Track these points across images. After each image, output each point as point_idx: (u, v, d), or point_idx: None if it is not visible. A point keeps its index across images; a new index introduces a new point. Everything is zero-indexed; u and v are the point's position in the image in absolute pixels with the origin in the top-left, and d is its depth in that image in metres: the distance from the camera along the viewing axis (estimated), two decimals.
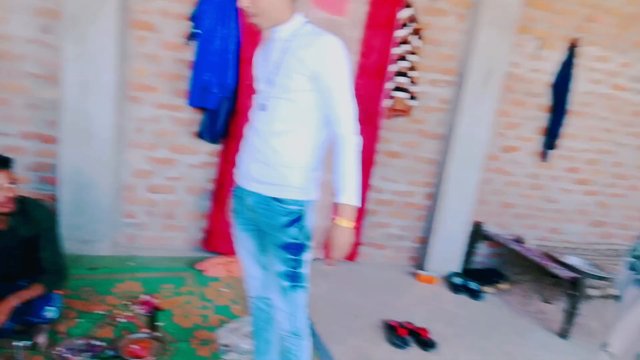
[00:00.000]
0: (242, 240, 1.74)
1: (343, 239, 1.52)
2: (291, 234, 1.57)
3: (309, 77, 1.49)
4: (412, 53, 3.33)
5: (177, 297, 2.70)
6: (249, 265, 1.78)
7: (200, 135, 3.13)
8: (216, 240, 3.28)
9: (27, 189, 2.99)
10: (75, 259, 2.90)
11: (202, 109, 3.09)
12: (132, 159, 3.13)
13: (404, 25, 3.28)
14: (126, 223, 3.24)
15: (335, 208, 1.52)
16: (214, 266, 3.10)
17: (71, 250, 2.95)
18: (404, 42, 3.30)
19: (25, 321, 2.13)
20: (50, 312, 2.15)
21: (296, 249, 1.59)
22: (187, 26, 2.98)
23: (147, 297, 2.58)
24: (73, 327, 2.29)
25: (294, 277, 1.61)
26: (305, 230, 1.59)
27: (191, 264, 3.13)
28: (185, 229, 3.37)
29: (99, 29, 2.72)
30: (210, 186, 3.31)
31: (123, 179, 3.14)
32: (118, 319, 2.39)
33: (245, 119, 2.13)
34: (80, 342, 2.13)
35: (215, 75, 2.99)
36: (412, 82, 3.38)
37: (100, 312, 2.44)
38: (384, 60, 3.29)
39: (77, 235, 2.95)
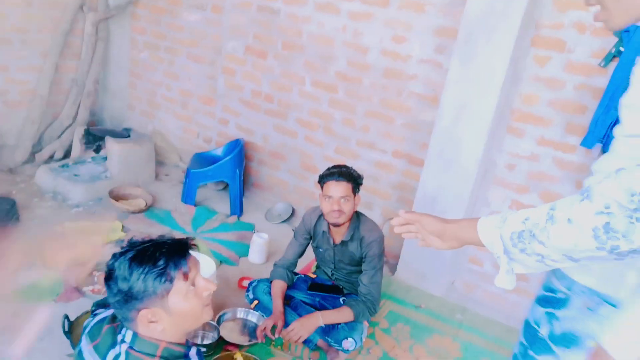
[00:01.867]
0: None
1: None
2: None
3: None
4: None
5: None
6: None
7: None
8: None
9: (386, 206, 3.04)
10: (405, 289, 2.73)
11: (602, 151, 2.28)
12: (493, 198, 2.67)
13: None
14: (469, 269, 2.83)
15: None
16: None
17: (404, 279, 2.81)
18: None
19: (325, 340, 2.08)
20: (349, 343, 2.02)
21: None
22: (608, 44, 2.23)
23: None
24: None
25: None
26: None
27: None
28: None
29: (492, 47, 2.37)
30: None
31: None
32: None
33: None
34: None
35: None
36: None
37: None
38: None
39: (415, 265, 2.76)
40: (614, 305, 1.01)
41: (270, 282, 2.28)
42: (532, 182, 2.55)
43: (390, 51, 2.82)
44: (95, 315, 1.26)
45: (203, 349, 2.00)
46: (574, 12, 2.29)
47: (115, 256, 1.12)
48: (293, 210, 3.38)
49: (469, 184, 2.56)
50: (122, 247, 1.14)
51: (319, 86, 3.13)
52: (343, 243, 2.21)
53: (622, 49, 2.18)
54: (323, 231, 2.24)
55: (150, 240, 1.14)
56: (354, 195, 2.10)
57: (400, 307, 2.58)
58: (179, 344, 1.15)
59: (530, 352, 1.19)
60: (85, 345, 1.17)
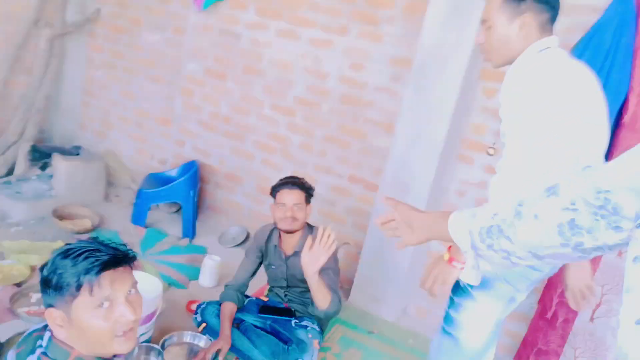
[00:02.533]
0: None
1: None
2: None
3: None
4: None
5: None
6: None
7: None
8: (528, 354, 2.43)
9: (342, 231, 3.05)
10: (359, 314, 2.71)
11: None
12: None
13: None
14: (422, 294, 2.84)
15: None
16: None
17: (358, 304, 2.80)
18: None
19: None
20: None
21: None
22: None
23: None
24: None
25: None
26: None
27: None
28: None
29: (444, 78, 2.48)
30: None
31: (430, 244, 2.78)
32: None
33: None
34: None
35: None
36: None
37: None
38: None
39: (367, 289, 2.76)
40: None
41: (220, 305, 2.21)
42: None
43: (349, 78, 2.90)
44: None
45: None
46: None
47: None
48: (248, 234, 3.32)
49: (420, 208, 2.61)
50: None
51: (277, 110, 3.16)
52: (295, 254, 2.20)
53: None
54: (274, 245, 2.24)
55: (91, 243, 1.09)
56: (306, 205, 2.16)
57: (353, 332, 2.55)
58: (95, 358, 1.08)
59: (456, 300, 1.58)
60: (11, 353, 1.09)
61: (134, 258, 1.12)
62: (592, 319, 2.24)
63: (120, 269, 1.07)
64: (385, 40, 2.76)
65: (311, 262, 1.95)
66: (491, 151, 2.47)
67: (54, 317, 1.04)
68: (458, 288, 1.57)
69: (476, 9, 2.31)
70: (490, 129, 2.56)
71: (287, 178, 2.21)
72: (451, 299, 1.62)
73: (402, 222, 1.13)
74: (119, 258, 1.07)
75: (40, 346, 1.06)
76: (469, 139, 2.62)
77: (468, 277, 1.02)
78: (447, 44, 2.42)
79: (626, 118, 2.16)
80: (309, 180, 2.79)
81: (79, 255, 1.03)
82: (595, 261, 2.24)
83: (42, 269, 1.07)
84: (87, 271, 1.01)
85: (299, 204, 2.13)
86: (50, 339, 1.06)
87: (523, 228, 0.84)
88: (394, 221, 1.16)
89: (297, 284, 2.27)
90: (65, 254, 1.05)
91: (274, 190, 2.19)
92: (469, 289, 1.53)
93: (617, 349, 0.66)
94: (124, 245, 1.14)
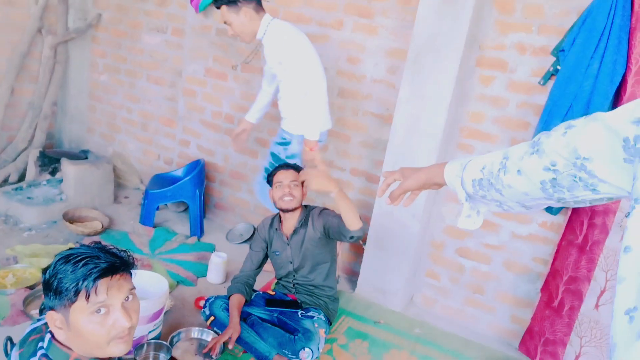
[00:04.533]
0: None
1: None
2: None
3: None
4: None
5: None
6: None
7: None
8: (535, 345, 2.45)
9: None
10: (365, 305, 2.74)
11: None
12: (447, 213, 2.74)
13: None
14: (427, 283, 2.87)
15: None
16: None
17: (364, 295, 2.83)
18: None
19: (281, 354, 2.06)
20: (306, 354, 2.02)
21: None
22: (546, 63, 2.38)
23: None
24: None
25: None
26: None
27: (489, 359, 2.44)
28: (494, 312, 2.70)
29: (439, 67, 2.49)
30: (539, 268, 2.53)
31: (433, 234, 2.79)
32: None
33: None
34: None
35: None
36: None
37: None
38: None
39: (373, 280, 2.79)
40: None
41: (228, 298, 2.26)
42: None
43: (346, 71, 2.91)
44: (37, 321, 1.24)
45: None
46: (514, 34, 2.44)
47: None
48: (254, 230, 3.36)
49: (422, 199, 2.63)
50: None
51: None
52: (295, 232, 2.31)
53: (559, 67, 2.32)
54: (275, 229, 2.37)
55: (92, 249, 1.12)
56: (302, 185, 2.30)
57: (359, 324, 2.58)
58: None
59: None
60: (15, 352, 1.14)
61: (132, 265, 1.15)
62: (597, 306, 2.24)
63: (118, 276, 1.09)
64: (380, 33, 2.76)
65: (319, 175, 2.14)
66: None
67: (54, 319, 1.08)
68: (278, 158, 2.58)
69: None
70: (488, 116, 2.56)
71: (280, 164, 2.40)
72: (270, 163, 2.67)
73: (404, 179, 1.19)
74: (116, 265, 1.10)
75: (42, 347, 1.10)
76: (468, 127, 2.62)
77: (464, 224, 1.06)
78: (441, 33, 2.42)
79: (625, 99, 2.14)
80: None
81: (79, 261, 1.07)
82: (598, 246, 2.23)
83: (44, 271, 1.11)
84: (84, 277, 1.04)
85: (295, 182, 2.27)
86: (50, 341, 1.10)
87: (508, 182, 0.87)
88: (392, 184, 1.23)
89: (304, 264, 2.33)
90: (66, 259, 1.09)
91: (270, 176, 2.34)
92: (286, 160, 2.63)
93: (609, 339, 0.66)
94: (125, 251, 1.17)
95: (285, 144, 2.69)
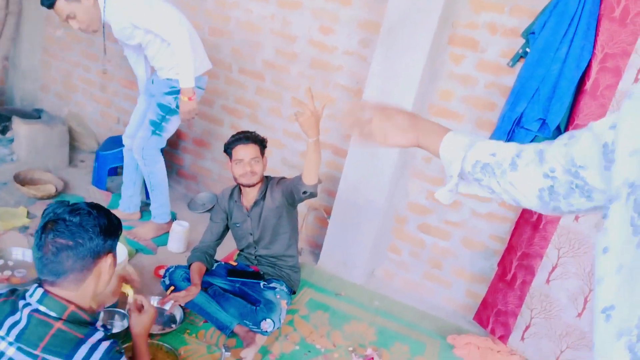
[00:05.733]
0: None
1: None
2: None
3: None
4: None
5: None
6: None
7: None
8: (488, 315, 2.55)
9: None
10: (327, 278, 2.77)
11: None
12: (411, 189, 2.78)
13: None
14: (389, 257, 2.92)
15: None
16: (468, 346, 2.41)
17: (326, 268, 2.85)
18: None
19: (243, 324, 2.06)
20: (267, 325, 2.02)
21: None
22: (516, 44, 2.40)
23: (372, 353, 2.17)
24: (287, 353, 2.10)
25: None
26: None
27: (443, 331, 2.53)
28: (451, 286, 2.79)
29: (411, 43, 2.47)
30: (496, 246, 2.61)
31: (397, 209, 2.83)
32: None
33: None
34: None
35: (537, 108, 2.28)
36: None
37: (319, 347, 2.17)
38: None
39: (336, 253, 2.81)
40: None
41: (189, 268, 2.23)
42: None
43: (318, 41, 2.84)
44: None
45: None
46: (487, 14, 2.44)
47: (64, 204, 1.20)
48: (217, 199, 3.31)
49: (388, 174, 2.64)
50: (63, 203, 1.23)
51: (246, 74, 3.10)
52: (256, 203, 2.28)
53: (528, 50, 2.35)
54: (235, 201, 2.32)
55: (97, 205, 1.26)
56: (262, 157, 2.22)
57: (321, 295, 2.61)
58: (88, 312, 1.18)
59: (167, 117, 2.59)
60: None
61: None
62: (547, 281, 2.34)
63: None
64: (354, 3, 2.70)
65: (313, 117, 1.96)
66: None
67: (108, 263, 1.24)
68: (169, 110, 2.58)
69: None
70: (457, 95, 2.58)
71: (239, 133, 2.23)
72: (159, 117, 2.63)
73: (381, 124, 1.00)
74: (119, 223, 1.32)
75: (28, 304, 1.12)
76: (436, 105, 2.63)
77: (442, 197, 1.00)
78: (415, 9, 2.39)
79: (588, 85, 2.20)
80: (279, 147, 2.79)
81: (109, 216, 1.28)
82: (552, 225, 2.33)
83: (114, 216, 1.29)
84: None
85: (256, 157, 2.18)
86: (44, 294, 1.14)
87: (513, 180, 0.86)
88: (369, 124, 1.01)
89: (264, 235, 2.31)
90: (90, 215, 1.22)
91: (228, 147, 2.22)
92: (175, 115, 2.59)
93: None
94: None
95: (175, 92, 2.51)
